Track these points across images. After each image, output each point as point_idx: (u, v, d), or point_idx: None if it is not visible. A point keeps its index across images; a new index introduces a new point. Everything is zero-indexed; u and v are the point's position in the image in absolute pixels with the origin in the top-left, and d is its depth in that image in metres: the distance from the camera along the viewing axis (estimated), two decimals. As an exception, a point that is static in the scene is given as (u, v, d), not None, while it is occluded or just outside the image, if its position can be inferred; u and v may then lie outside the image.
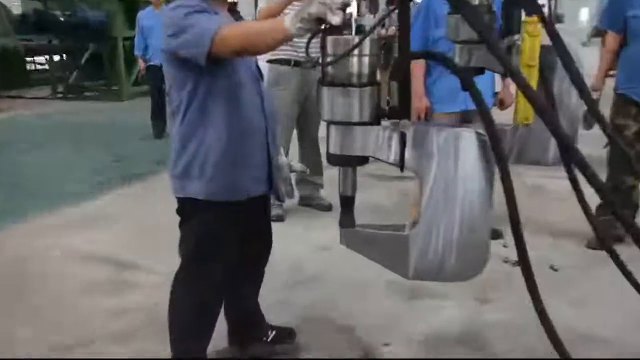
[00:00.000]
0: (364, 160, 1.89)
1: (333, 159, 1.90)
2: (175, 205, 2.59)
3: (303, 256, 4.34)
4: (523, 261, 1.75)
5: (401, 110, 1.76)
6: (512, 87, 4.53)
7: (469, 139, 1.75)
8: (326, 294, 3.77)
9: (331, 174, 5.37)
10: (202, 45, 2.18)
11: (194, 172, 2.46)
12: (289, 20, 1.88)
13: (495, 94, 4.52)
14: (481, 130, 1.76)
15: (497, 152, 1.71)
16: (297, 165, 2.92)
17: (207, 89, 2.38)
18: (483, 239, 1.81)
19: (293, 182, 2.86)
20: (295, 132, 5.29)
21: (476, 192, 1.76)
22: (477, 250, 1.82)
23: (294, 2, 3.18)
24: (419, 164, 1.78)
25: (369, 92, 1.80)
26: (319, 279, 3.99)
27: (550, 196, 5.52)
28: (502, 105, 4.47)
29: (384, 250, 1.87)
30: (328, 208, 5.31)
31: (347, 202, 1.95)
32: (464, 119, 4.21)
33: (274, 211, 4.50)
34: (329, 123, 1.86)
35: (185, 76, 2.38)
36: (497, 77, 4.29)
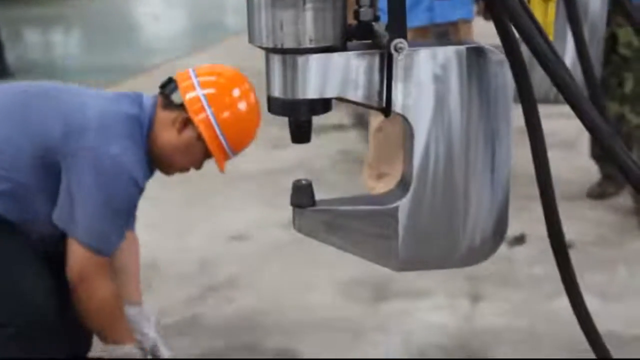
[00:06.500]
0: (324, 105, 1.29)
1: (278, 107, 1.27)
2: None
3: (210, 251, 3.23)
4: (558, 246, 1.20)
5: (392, 22, 1.18)
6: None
7: (486, 58, 1.23)
8: (252, 304, 2.83)
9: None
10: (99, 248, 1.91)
11: None
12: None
13: None
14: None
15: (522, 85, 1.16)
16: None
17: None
18: (504, 199, 1.31)
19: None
20: None
21: (495, 136, 1.26)
22: (496, 218, 1.32)
23: None
24: (413, 103, 1.25)
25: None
26: (238, 283, 2.99)
27: (548, 141, 4.68)
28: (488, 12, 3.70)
29: (362, 234, 1.32)
30: None
31: (301, 133, 1.29)
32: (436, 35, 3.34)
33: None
34: (269, 51, 1.25)
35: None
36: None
